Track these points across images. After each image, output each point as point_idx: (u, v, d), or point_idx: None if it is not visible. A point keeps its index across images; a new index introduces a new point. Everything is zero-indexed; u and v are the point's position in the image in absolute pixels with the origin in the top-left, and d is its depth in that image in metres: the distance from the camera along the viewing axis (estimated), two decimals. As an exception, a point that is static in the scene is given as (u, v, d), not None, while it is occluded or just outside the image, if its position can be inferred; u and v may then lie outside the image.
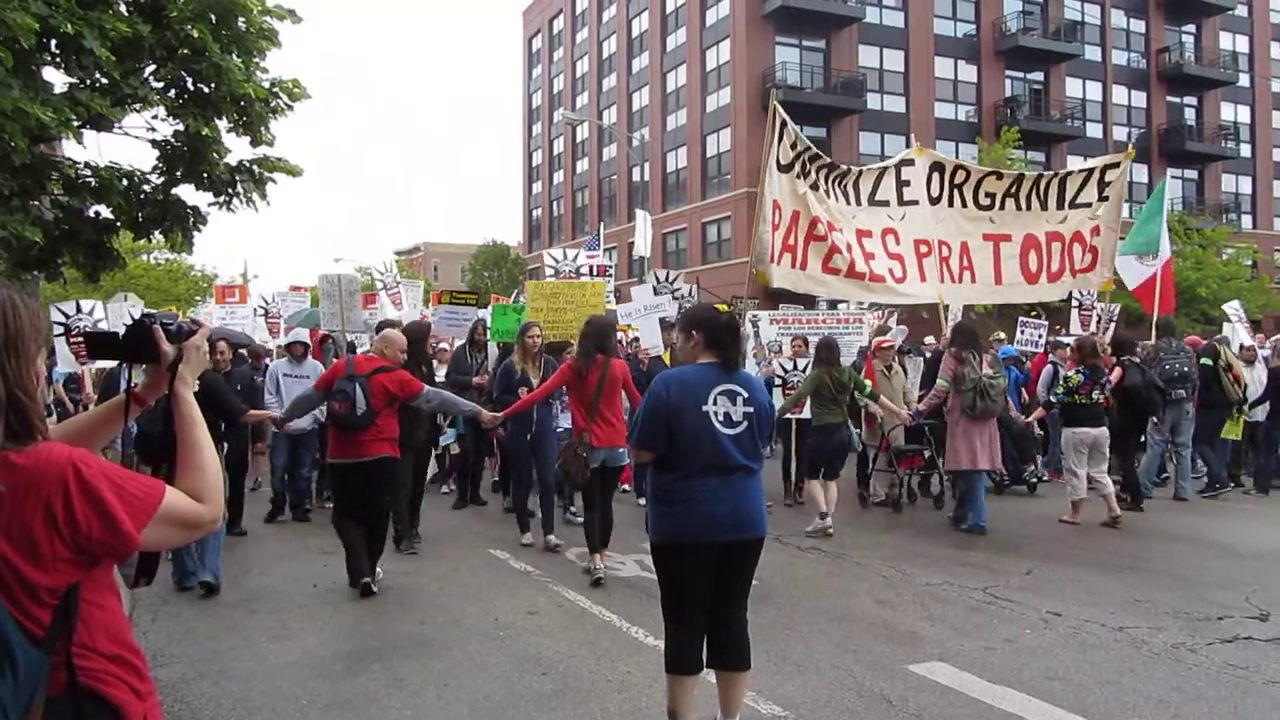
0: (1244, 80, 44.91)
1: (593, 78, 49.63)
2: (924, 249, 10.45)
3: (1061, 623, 5.91)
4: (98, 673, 1.72)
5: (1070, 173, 11.25)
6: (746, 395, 4.01)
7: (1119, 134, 42.50)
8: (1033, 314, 16.55)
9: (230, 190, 9.36)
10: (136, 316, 2.13)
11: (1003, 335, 15.90)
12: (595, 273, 14.61)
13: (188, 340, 2.07)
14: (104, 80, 8.13)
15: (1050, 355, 12.39)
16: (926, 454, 10.54)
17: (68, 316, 12.02)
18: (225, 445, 7.71)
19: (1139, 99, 43.84)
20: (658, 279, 12.95)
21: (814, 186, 9.87)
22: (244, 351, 11.45)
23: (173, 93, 9.03)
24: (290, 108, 9.47)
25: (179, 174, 9.21)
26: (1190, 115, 44.53)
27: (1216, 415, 11.56)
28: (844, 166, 10.60)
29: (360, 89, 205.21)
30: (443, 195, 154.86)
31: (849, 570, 7.48)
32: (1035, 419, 10.93)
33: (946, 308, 10.90)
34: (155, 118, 9.09)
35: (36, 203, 9.05)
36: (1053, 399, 9.97)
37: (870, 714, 4.43)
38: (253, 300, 17.57)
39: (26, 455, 1.66)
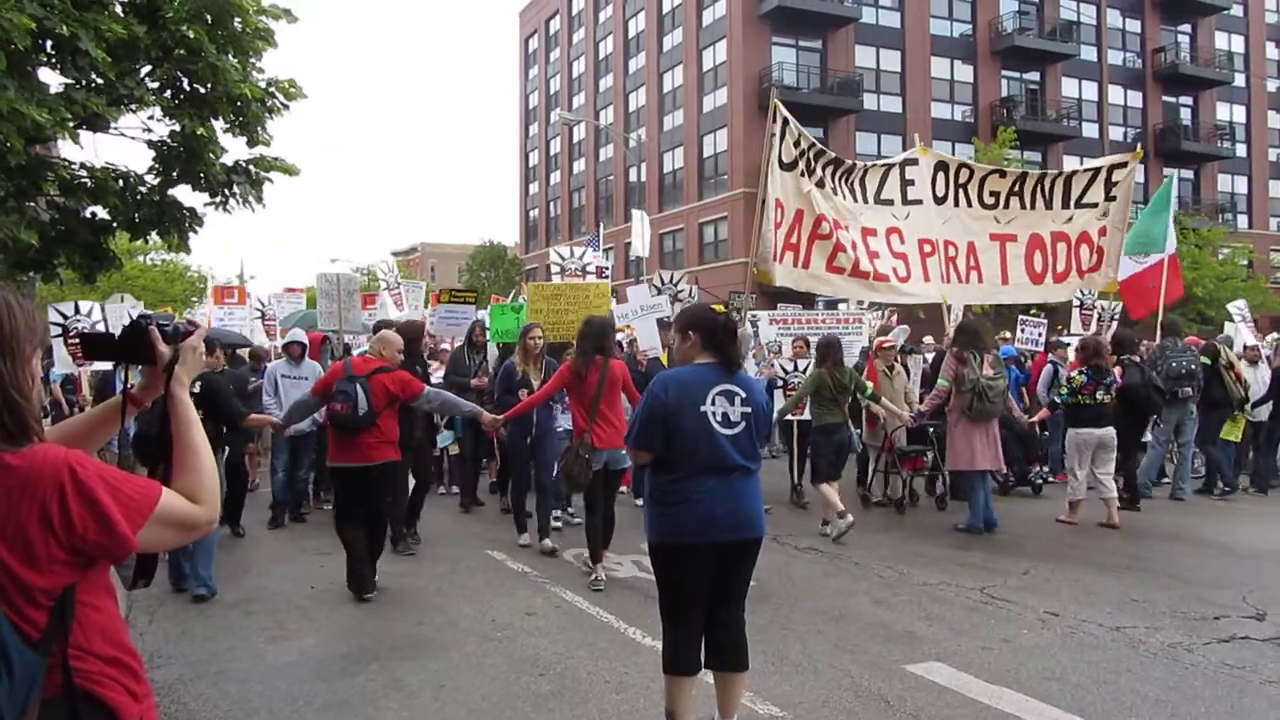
0: (1239, 80, 45.04)
1: (589, 78, 49.65)
2: (928, 249, 10.39)
3: (1059, 623, 5.91)
4: (93, 674, 1.71)
5: (1076, 172, 11.20)
6: (744, 395, 4.00)
7: (1115, 134, 42.63)
8: (1033, 313, 16.54)
9: (226, 191, 9.35)
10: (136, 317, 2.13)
11: (1008, 335, 15.81)
12: (596, 273, 14.53)
13: (184, 341, 2.07)
14: (100, 81, 8.12)
15: (1050, 355, 12.38)
16: (929, 455, 10.52)
17: (66, 318, 11.98)
18: (226, 448, 7.68)
19: (1135, 99, 43.95)
20: (661, 280, 12.86)
21: (820, 184, 9.82)
22: (241, 353, 11.43)
23: (168, 93, 9.02)
24: (286, 107, 9.47)
25: (175, 175, 9.21)
26: (1186, 115, 44.64)
27: (1219, 415, 11.55)
28: (850, 162, 10.55)
29: (356, 89, 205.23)
30: (439, 196, 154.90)
31: (846, 570, 7.48)
32: (1039, 419, 10.86)
33: (949, 308, 10.85)
34: (151, 118, 9.10)
35: (32, 204, 9.03)
36: (1056, 399, 9.90)
37: (868, 714, 4.43)
38: (251, 302, 17.53)
39: (22, 456, 1.65)
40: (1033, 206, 10.81)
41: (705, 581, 3.98)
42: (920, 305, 14.43)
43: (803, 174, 9.68)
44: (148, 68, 8.82)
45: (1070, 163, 36.35)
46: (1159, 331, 11.92)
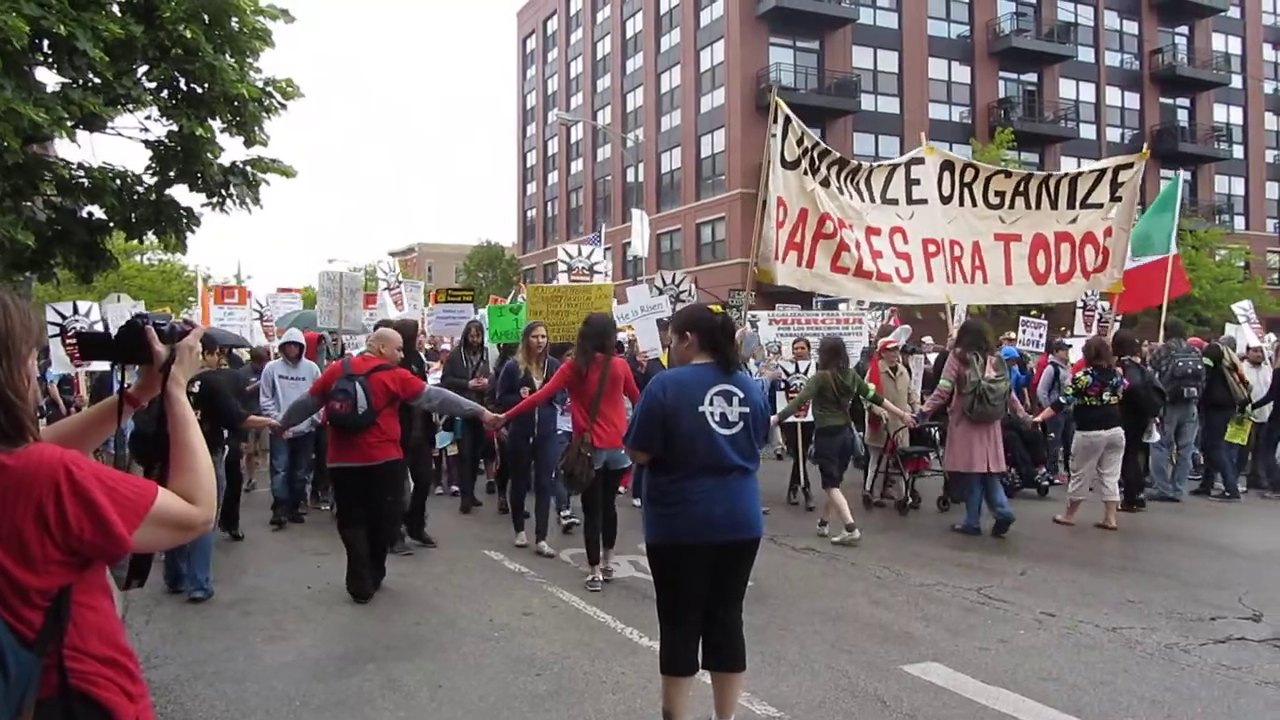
0: (1236, 82, 45.15)
1: (587, 78, 49.66)
2: (932, 249, 10.35)
3: (1055, 623, 5.92)
4: (89, 675, 1.71)
5: (1081, 173, 11.19)
6: (742, 396, 4.00)
7: (1112, 135, 42.69)
8: (1033, 314, 16.51)
9: (224, 192, 9.34)
10: None
11: (1012, 335, 15.65)
12: (604, 274, 14.40)
13: (180, 341, 2.06)
14: (97, 80, 8.11)
15: (1051, 356, 12.36)
16: (932, 455, 10.49)
17: (64, 318, 11.95)
18: (226, 448, 7.65)
19: (1132, 100, 44.03)
20: (663, 280, 12.78)
21: (824, 183, 9.79)
22: (239, 353, 11.39)
23: (166, 93, 9.01)
24: (284, 107, 9.46)
25: (172, 175, 9.20)
26: (1183, 116, 44.72)
27: (1222, 416, 11.53)
28: (855, 162, 10.52)
29: (353, 89, 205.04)
30: (437, 196, 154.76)
31: (844, 571, 7.48)
32: (1043, 419, 10.81)
33: (953, 308, 10.79)
34: (148, 118, 9.08)
35: (29, 203, 9.02)
36: (1062, 399, 9.84)
37: (865, 714, 4.43)
38: (250, 302, 17.49)
39: (17, 457, 1.65)
40: (1037, 206, 10.78)
41: (703, 582, 3.98)
42: (917, 305, 14.40)
43: (806, 172, 9.64)
44: (145, 67, 8.80)
45: (1067, 164, 36.47)
46: (1162, 332, 11.91)
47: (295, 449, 9.69)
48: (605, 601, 6.45)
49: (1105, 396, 9.26)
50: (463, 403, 7.36)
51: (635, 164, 37.65)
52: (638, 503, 8.75)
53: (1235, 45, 46.20)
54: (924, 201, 10.45)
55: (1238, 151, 45.47)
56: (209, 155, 9.04)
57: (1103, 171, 11.00)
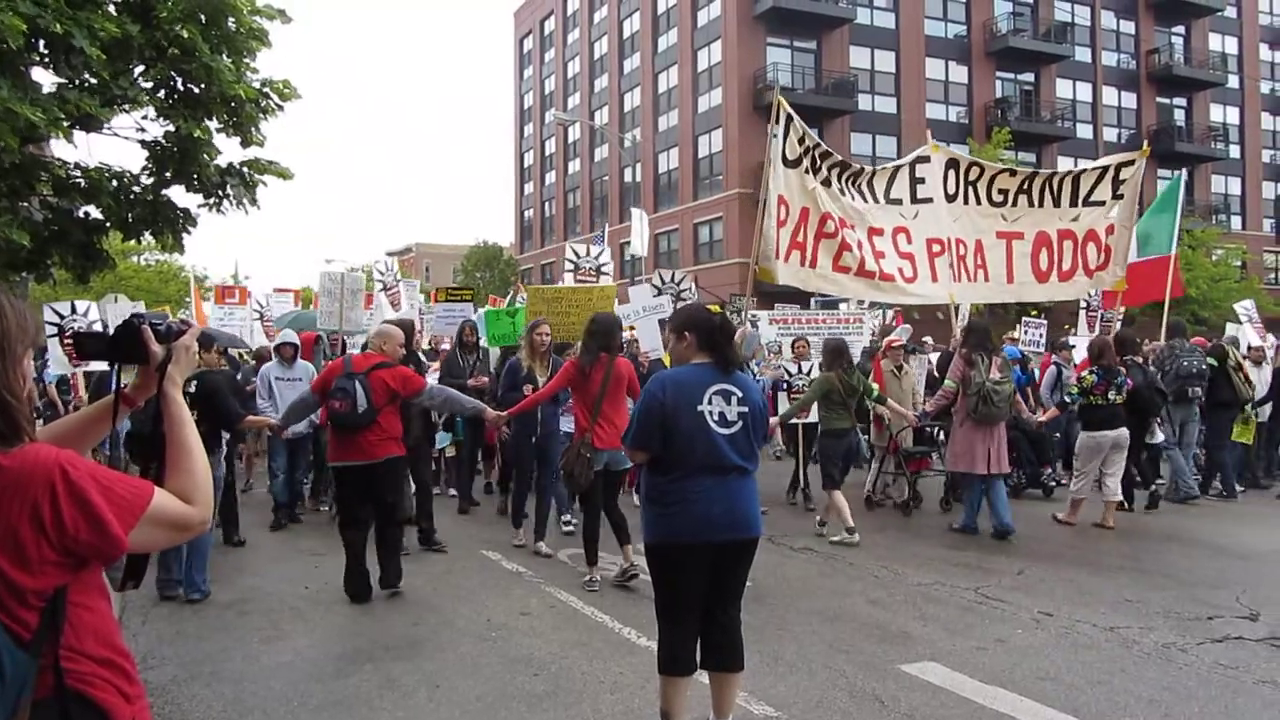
0: (1233, 82, 45.22)
1: (584, 78, 49.66)
2: (937, 248, 10.31)
3: (1053, 623, 5.92)
4: (85, 675, 1.71)
5: (1084, 170, 11.17)
6: (741, 395, 4.00)
7: (1109, 135, 42.74)
8: (1033, 314, 16.48)
9: (220, 192, 9.32)
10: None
11: (1015, 335, 15.59)
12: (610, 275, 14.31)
13: (177, 340, 2.06)
14: (93, 80, 8.09)
15: (1054, 356, 12.34)
16: (934, 456, 10.46)
17: (62, 317, 11.91)
18: (225, 449, 7.63)
19: (1129, 100, 44.09)
20: (661, 280, 12.73)
21: (825, 183, 9.76)
22: (234, 353, 11.36)
23: (162, 93, 8.99)
24: (281, 108, 9.44)
25: (169, 175, 9.18)
26: (1180, 116, 44.79)
27: (1227, 416, 11.52)
28: (857, 166, 10.49)
29: (350, 89, 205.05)
30: (434, 196, 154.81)
31: (841, 570, 7.48)
32: (1046, 419, 10.78)
33: (957, 308, 10.76)
34: (145, 118, 9.05)
35: (25, 204, 8.99)
36: (1067, 399, 9.81)
37: (862, 714, 4.43)
38: (250, 302, 17.45)
39: (13, 457, 1.64)
40: (1040, 204, 10.77)
41: (702, 581, 3.98)
42: (915, 305, 14.38)
43: (807, 171, 9.61)
44: (141, 67, 8.79)
45: (1065, 164, 36.41)
46: (1164, 332, 11.91)
47: (293, 450, 9.68)
48: (603, 601, 6.44)
49: (1110, 396, 9.22)
50: (465, 401, 7.27)
51: (633, 164, 37.64)
52: (638, 501, 8.71)
53: (1232, 45, 46.28)
54: (929, 200, 10.40)
55: (1234, 151, 45.55)
56: (206, 156, 9.01)
57: (1104, 169, 10.99)
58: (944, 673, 4.95)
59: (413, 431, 8.29)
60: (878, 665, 5.09)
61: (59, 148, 9.31)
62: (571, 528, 8.77)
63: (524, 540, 8.25)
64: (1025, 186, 10.75)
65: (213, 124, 9.12)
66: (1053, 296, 11.85)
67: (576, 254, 13.98)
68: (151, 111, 8.95)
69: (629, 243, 22.25)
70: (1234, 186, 46.16)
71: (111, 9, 8.26)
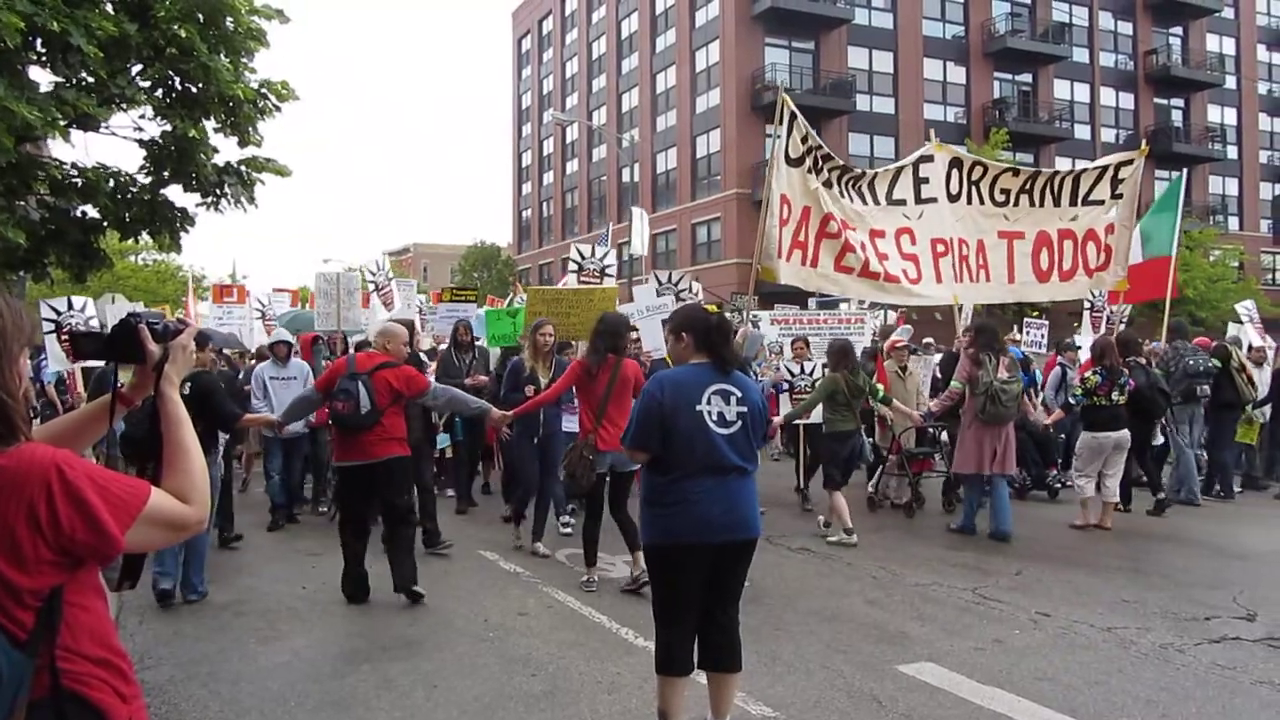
0: (1230, 82, 45.27)
1: (582, 79, 49.66)
2: (941, 248, 10.27)
3: (1050, 623, 5.92)
4: (81, 676, 1.70)
5: (1084, 170, 11.16)
6: (740, 395, 3.99)
7: (1107, 135, 42.78)
8: (1034, 315, 16.45)
9: (218, 192, 9.33)
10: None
11: (1018, 336, 15.52)
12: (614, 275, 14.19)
13: (174, 340, 2.05)
14: (90, 79, 8.09)
15: (1059, 357, 12.33)
16: (937, 457, 10.43)
17: (59, 313, 11.88)
18: (222, 448, 7.60)
19: (1126, 100, 44.13)
20: (659, 280, 12.65)
21: (826, 184, 9.75)
22: (229, 353, 11.33)
23: (160, 93, 8.99)
24: (278, 109, 9.45)
25: (166, 175, 9.19)
26: (1177, 117, 44.83)
27: (1230, 416, 11.49)
28: (858, 170, 10.46)
29: (348, 89, 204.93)
30: (432, 196, 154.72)
31: (839, 571, 7.48)
32: (1053, 421, 10.74)
33: (960, 308, 10.73)
34: (142, 118, 9.07)
35: (22, 203, 8.99)
36: (1071, 400, 9.78)
37: (860, 714, 4.43)
38: (250, 301, 17.40)
39: (9, 456, 1.64)
40: (1041, 204, 10.75)
41: (700, 582, 3.97)
42: (914, 306, 14.35)
43: (810, 170, 9.59)
44: (139, 67, 8.79)
45: (1062, 164, 36.42)
46: (1166, 333, 11.90)
47: (288, 452, 9.64)
48: (600, 602, 6.44)
49: (1114, 396, 9.19)
50: (470, 400, 7.20)
51: (631, 164, 37.62)
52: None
53: (1229, 46, 46.34)
54: (933, 200, 10.35)
55: (1232, 152, 45.61)
56: (203, 155, 9.02)
57: (1104, 169, 10.98)
58: (941, 673, 4.95)
59: (413, 432, 8.26)
60: (875, 665, 5.09)
61: (56, 147, 9.30)
62: (570, 529, 8.74)
63: (523, 541, 8.24)
64: (1028, 186, 10.74)
65: (210, 124, 9.12)
66: (1053, 296, 11.82)
67: (581, 254, 13.83)
68: (149, 111, 8.95)
69: (627, 242, 22.17)
70: (1231, 187, 46.21)
71: (109, 8, 8.26)
